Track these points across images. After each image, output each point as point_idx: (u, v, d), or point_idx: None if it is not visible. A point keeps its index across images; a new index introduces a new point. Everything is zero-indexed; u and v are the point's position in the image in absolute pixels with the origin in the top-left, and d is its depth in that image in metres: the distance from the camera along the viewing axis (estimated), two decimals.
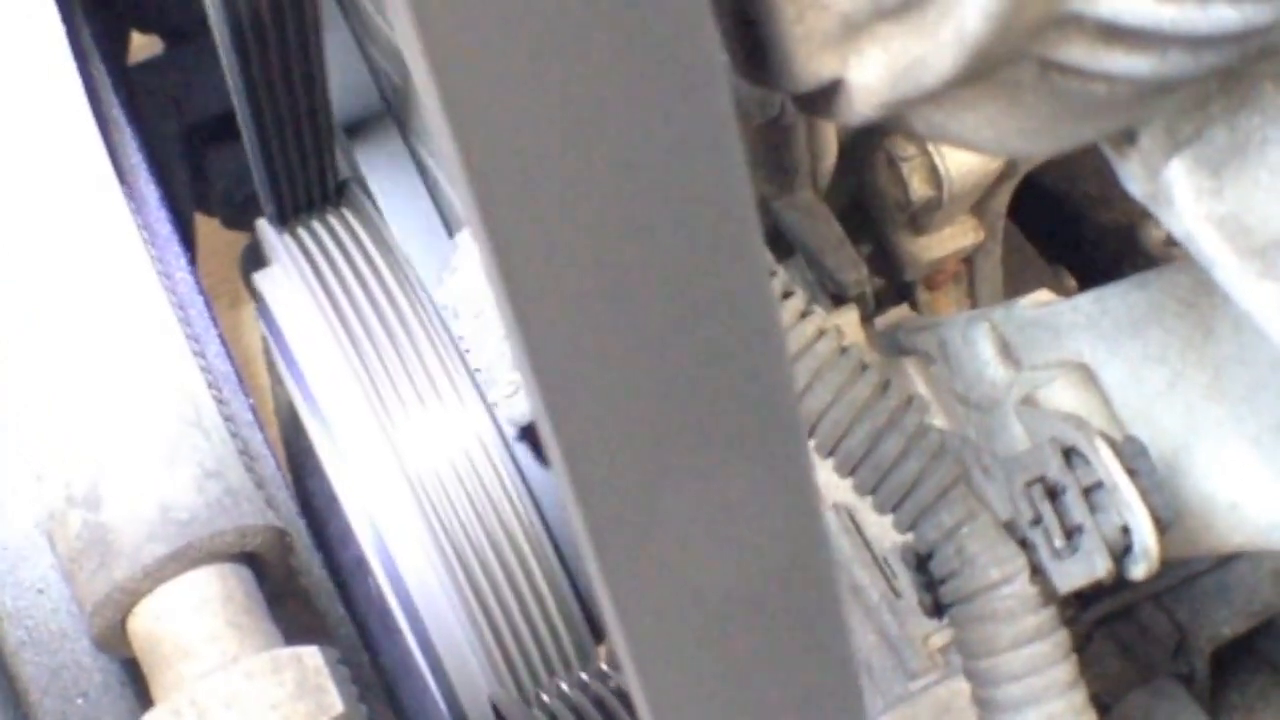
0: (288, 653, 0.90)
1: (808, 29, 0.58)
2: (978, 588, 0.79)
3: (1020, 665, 0.79)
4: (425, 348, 1.13)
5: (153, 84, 1.61)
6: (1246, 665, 1.20)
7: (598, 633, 1.15)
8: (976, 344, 0.95)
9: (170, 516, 0.93)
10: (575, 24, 0.38)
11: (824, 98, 0.61)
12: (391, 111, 1.30)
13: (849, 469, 0.80)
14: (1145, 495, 0.80)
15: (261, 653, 0.90)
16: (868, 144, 1.21)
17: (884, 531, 0.93)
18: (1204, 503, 0.88)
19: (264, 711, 0.87)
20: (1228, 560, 1.16)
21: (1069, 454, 0.82)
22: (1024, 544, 0.80)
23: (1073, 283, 1.48)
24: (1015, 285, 1.32)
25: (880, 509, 0.81)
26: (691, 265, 0.43)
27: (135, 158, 1.25)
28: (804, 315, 0.81)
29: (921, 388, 1.03)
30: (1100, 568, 0.79)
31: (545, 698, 1.10)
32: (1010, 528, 0.80)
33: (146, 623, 0.93)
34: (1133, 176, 0.66)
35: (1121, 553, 0.80)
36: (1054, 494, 0.81)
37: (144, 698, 0.96)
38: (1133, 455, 0.81)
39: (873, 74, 0.58)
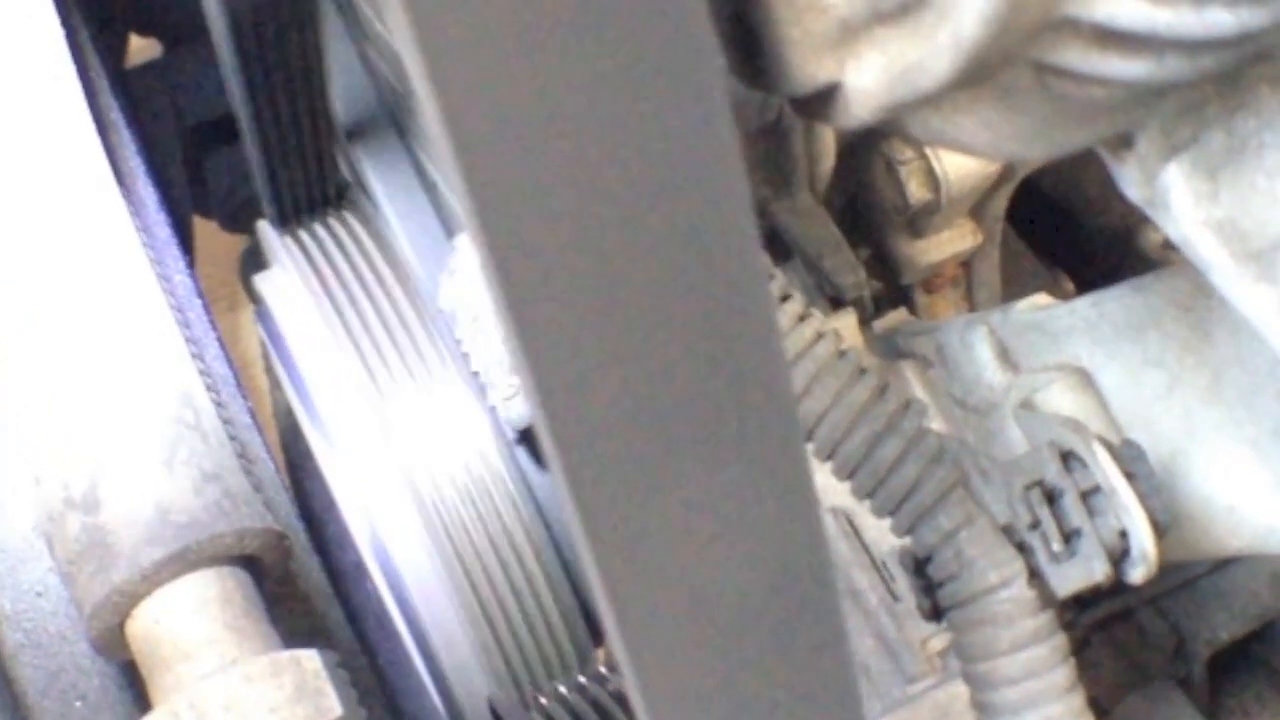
0: (286, 656, 0.90)
1: (805, 32, 0.58)
2: (976, 591, 0.79)
3: (1018, 669, 0.79)
4: (424, 351, 1.13)
5: (151, 86, 1.61)
6: (1244, 669, 1.20)
7: (596, 636, 1.15)
8: (974, 348, 0.95)
9: (169, 519, 0.93)
10: (573, 27, 0.38)
11: (821, 101, 0.61)
12: (391, 115, 1.30)
13: (847, 472, 0.80)
14: (1143, 499, 0.80)
15: (260, 656, 0.90)
16: (866, 148, 1.21)
17: (882, 535, 0.93)
18: (1202, 506, 0.88)
19: (263, 714, 0.87)
20: (1226, 564, 1.16)
21: (1067, 458, 0.82)
22: (1022, 548, 0.80)
23: (1071, 286, 1.48)
24: (1013, 289, 1.32)
25: (878, 512, 0.81)
26: (689, 269, 0.43)
27: (134, 160, 1.25)
28: (802, 318, 0.81)
29: (919, 391, 1.03)
30: (1098, 571, 0.79)
31: (544, 700, 1.10)
32: (1008, 531, 0.80)
33: (145, 625, 0.93)
34: (1130, 180, 0.66)
35: (1119, 556, 0.80)
36: (1052, 498, 0.81)
37: (142, 701, 0.96)
38: (1131, 459, 0.81)
39: (870, 78, 0.59)
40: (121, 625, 0.94)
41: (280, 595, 1.04)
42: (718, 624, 0.51)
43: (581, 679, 1.12)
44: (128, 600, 0.93)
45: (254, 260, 1.30)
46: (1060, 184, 1.48)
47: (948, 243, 1.26)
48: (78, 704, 0.98)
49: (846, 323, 1.07)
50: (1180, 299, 0.88)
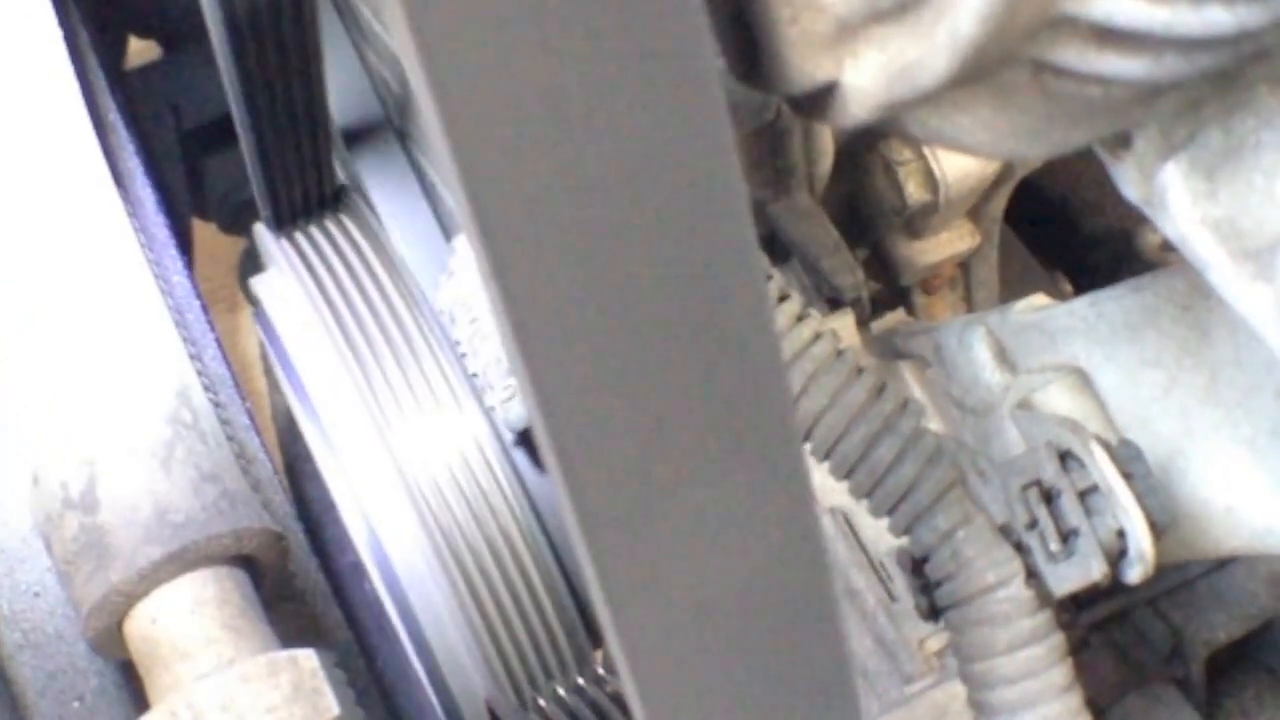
0: (284, 655, 0.90)
1: (802, 31, 0.58)
2: (973, 591, 0.79)
3: (1016, 668, 0.79)
4: (422, 352, 1.13)
5: (150, 89, 1.61)
6: (1242, 669, 1.20)
7: (595, 637, 1.15)
8: (972, 348, 0.95)
9: (166, 519, 0.93)
10: (570, 28, 0.38)
11: (819, 100, 0.61)
12: (390, 118, 1.30)
13: (845, 472, 0.80)
14: (1140, 499, 0.80)
15: (258, 655, 0.90)
16: (864, 148, 1.21)
17: (880, 535, 0.93)
18: (1200, 506, 0.88)
19: (260, 714, 0.87)
20: (1224, 564, 1.16)
21: (1064, 458, 0.82)
22: (1019, 547, 0.80)
23: (1069, 287, 1.48)
24: (1012, 290, 1.32)
25: (876, 512, 0.81)
26: (687, 269, 0.43)
27: (132, 162, 1.25)
28: (800, 319, 0.81)
29: (917, 392, 1.03)
30: (1095, 571, 0.79)
31: (542, 702, 1.10)
32: (1006, 531, 0.80)
33: (142, 625, 0.93)
34: (1128, 180, 0.66)
35: (1117, 556, 0.80)
36: (1049, 498, 0.81)
37: (140, 701, 0.96)
38: (1128, 459, 0.81)
39: (868, 76, 0.58)
40: (119, 625, 0.94)
41: (278, 595, 1.04)
42: (715, 624, 0.51)
43: (580, 681, 1.12)
44: (125, 600, 0.93)
45: (253, 262, 1.30)
46: (1058, 185, 1.48)
47: (946, 244, 1.26)
48: (75, 704, 0.98)
49: (844, 323, 1.07)
50: (1178, 299, 0.88)
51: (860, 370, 0.81)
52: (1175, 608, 1.16)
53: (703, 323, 0.44)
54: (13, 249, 1.05)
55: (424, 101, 0.38)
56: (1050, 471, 0.81)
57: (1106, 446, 0.81)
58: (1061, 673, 0.79)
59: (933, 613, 0.82)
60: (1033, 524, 0.80)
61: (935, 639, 0.93)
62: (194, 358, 1.07)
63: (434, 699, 1.12)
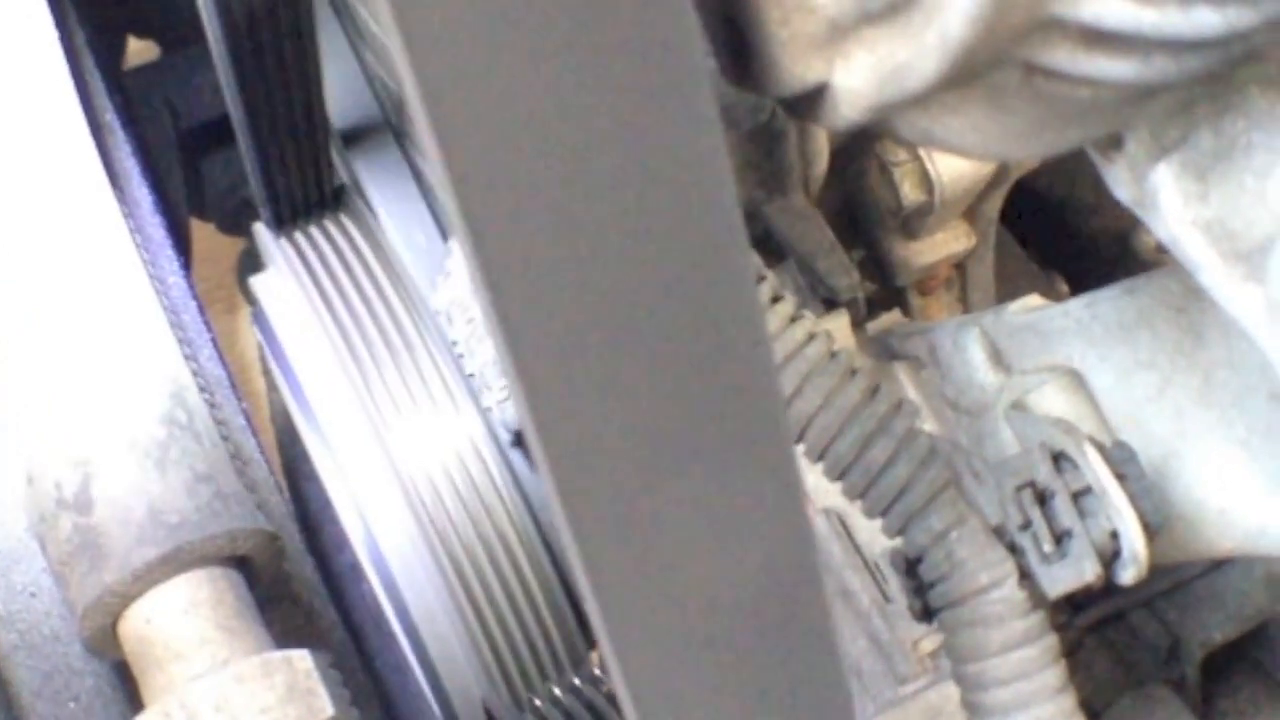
0: (278, 656, 0.90)
1: (794, 33, 0.58)
2: (967, 592, 0.79)
3: (1009, 670, 0.79)
4: (420, 353, 1.13)
5: (148, 89, 1.61)
6: (1238, 671, 1.20)
7: (590, 637, 1.15)
8: (967, 349, 0.95)
9: (161, 520, 0.93)
10: (560, 29, 0.38)
11: (810, 102, 0.62)
12: (388, 118, 1.30)
13: (838, 473, 0.80)
14: (1134, 500, 0.80)
15: (252, 656, 0.90)
16: (859, 149, 1.21)
17: (874, 536, 0.93)
18: (1193, 508, 0.88)
19: (254, 715, 0.87)
20: (1219, 565, 1.16)
21: (1058, 459, 0.82)
22: (1013, 549, 0.80)
23: (1064, 288, 1.48)
24: (1008, 290, 1.32)
25: (870, 513, 0.81)
26: (676, 271, 0.43)
27: (129, 162, 1.25)
28: (793, 320, 0.81)
29: (912, 393, 1.03)
30: (1089, 572, 0.79)
31: (538, 702, 1.10)
32: (999, 532, 0.80)
33: (137, 626, 0.93)
34: (1120, 181, 0.66)
35: (1110, 558, 0.80)
36: (1043, 499, 0.81)
37: (135, 702, 0.96)
38: (1122, 460, 0.81)
39: (858, 78, 0.59)
40: (114, 625, 0.94)
41: (273, 596, 1.04)
42: (707, 626, 0.51)
43: (575, 680, 1.12)
44: (120, 601, 0.93)
45: (252, 262, 1.30)
46: (1054, 186, 1.48)
47: (941, 244, 1.26)
48: (71, 704, 0.98)
49: (839, 324, 1.07)
50: (1172, 300, 0.88)
51: (854, 371, 0.81)
52: (1171, 609, 1.16)
53: (693, 324, 0.45)
54: (6, 250, 1.05)
55: (413, 102, 0.38)
56: (1044, 473, 0.81)
57: (1100, 448, 0.81)
58: (1055, 674, 0.79)
59: (926, 614, 0.82)
60: (1026, 525, 0.80)
61: (929, 640, 0.93)
62: (189, 358, 1.07)
63: (430, 699, 1.12)
